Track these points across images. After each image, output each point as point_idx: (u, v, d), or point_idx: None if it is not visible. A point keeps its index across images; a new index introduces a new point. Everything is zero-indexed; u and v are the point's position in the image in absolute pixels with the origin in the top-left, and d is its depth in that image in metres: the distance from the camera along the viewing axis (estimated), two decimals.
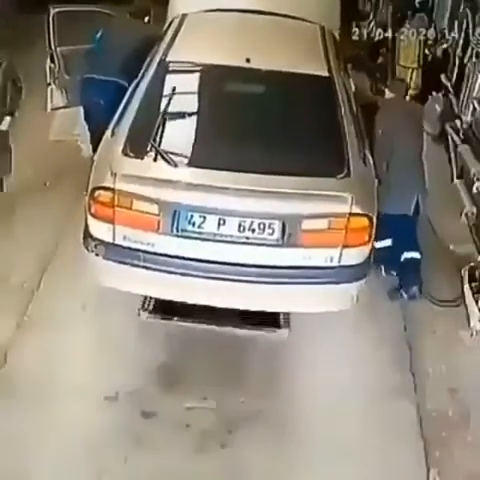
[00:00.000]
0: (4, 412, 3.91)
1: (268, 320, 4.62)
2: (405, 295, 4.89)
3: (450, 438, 3.98)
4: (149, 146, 4.00)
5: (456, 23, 6.94)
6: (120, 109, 4.40)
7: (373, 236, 4.01)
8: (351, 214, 3.82)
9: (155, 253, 3.90)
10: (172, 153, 4.00)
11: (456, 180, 6.13)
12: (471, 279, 4.86)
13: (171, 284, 4.02)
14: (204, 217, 3.84)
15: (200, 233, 3.87)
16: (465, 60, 6.56)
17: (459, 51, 6.80)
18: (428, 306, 4.88)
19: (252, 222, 3.84)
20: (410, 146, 4.86)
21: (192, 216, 3.84)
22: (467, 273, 4.92)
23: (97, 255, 4.01)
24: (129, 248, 3.91)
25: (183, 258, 3.88)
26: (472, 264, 5.01)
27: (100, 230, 3.97)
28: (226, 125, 4.25)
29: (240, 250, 3.91)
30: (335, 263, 3.93)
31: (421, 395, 4.23)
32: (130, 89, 4.59)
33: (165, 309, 4.63)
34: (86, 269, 4.30)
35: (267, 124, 4.22)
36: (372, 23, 8.36)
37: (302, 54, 4.78)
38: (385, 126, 4.76)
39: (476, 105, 6.22)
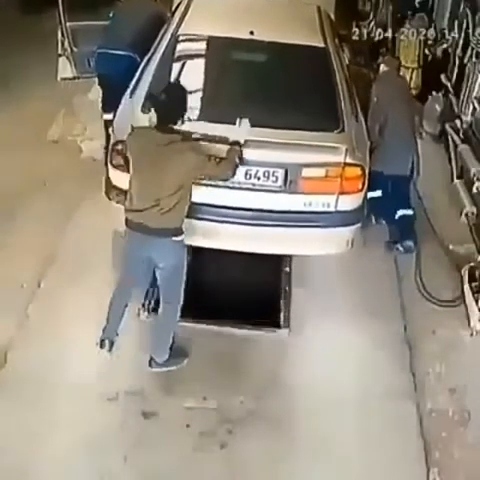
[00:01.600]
0: (4, 412, 3.91)
1: (268, 320, 4.65)
2: (401, 248, 5.30)
3: (450, 438, 3.98)
4: None
5: (456, 23, 6.93)
6: (137, 75, 4.79)
7: (366, 185, 4.42)
8: (346, 164, 4.23)
9: None
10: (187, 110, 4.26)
11: (456, 180, 6.13)
12: (471, 279, 4.86)
13: (185, 229, 4.24)
14: None
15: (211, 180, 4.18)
16: (465, 60, 6.56)
17: (459, 51, 6.80)
18: (428, 306, 4.88)
19: (258, 170, 4.22)
20: (403, 112, 5.33)
21: None
22: (467, 273, 4.92)
23: (118, 203, 4.30)
24: None
25: (194, 203, 4.09)
26: (472, 264, 5.02)
27: (122, 180, 4.23)
28: (233, 86, 4.64)
29: (247, 196, 4.29)
30: (332, 209, 4.34)
31: (421, 395, 4.23)
32: (146, 58, 4.97)
33: None
34: (109, 219, 4.58)
35: (270, 86, 4.63)
36: (372, 23, 8.37)
37: (300, 28, 5.19)
38: (380, 94, 5.30)
39: (476, 105, 6.22)
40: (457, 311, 4.81)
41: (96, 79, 6.04)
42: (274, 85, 4.64)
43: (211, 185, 4.17)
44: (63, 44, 6.87)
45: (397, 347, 4.54)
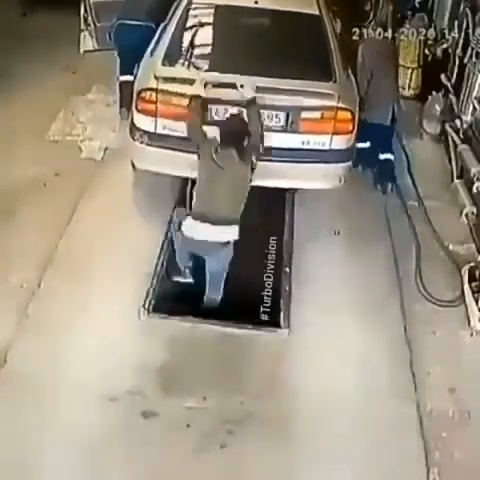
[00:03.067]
0: (4, 412, 3.91)
1: (268, 320, 4.65)
2: (379, 187, 6.03)
3: (450, 438, 3.98)
4: (182, 58, 5.17)
5: (456, 23, 6.93)
6: (155, 38, 5.50)
7: (355, 128, 5.11)
8: (338, 108, 4.95)
9: (189, 139, 4.75)
10: (199, 63, 5.23)
11: (456, 180, 6.13)
12: (471, 279, 4.87)
13: None
14: (226, 109, 4.86)
15: None
16: (465, 60, 6.56)
17: (459, 51, 6.80)
18: (428, 306, 4.88)
19: (263, 113, 4.81)
20: (385, 68, 6.02)
21: (217, 108, 4.88)
22: (467, 273, 4.93)
23: (142, 143, 5.06)
24: (168, 136, 4.88)
25: None
26: (472, 264, 5.02)
27: (145, 123, 5.01)
28: (242, 45, 5.27)
29: None
30: (326, 147, 5.05)
31: (421, 395, 4.23)
32: (163, 24, 5.65)
33: (165, 309, 4.65)
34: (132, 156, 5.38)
35: (273, 45, 5.34)
36: (372, 23, 8.35)
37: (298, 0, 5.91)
38: (365, 53, 5.96)
39: (476, 105, 6.22)
40: (457, 311, 4.81)
41: (116, 49, 6.65)
42: (277, 44, 5.32)
43: None
44: (86, 19, 7.50)
45: (397, 347, 4.54)
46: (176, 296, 4.80)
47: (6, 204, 5.43)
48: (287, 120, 4.95)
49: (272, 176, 5.01)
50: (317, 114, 4.97)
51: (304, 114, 4.95)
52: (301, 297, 4.83)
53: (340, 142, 5.07)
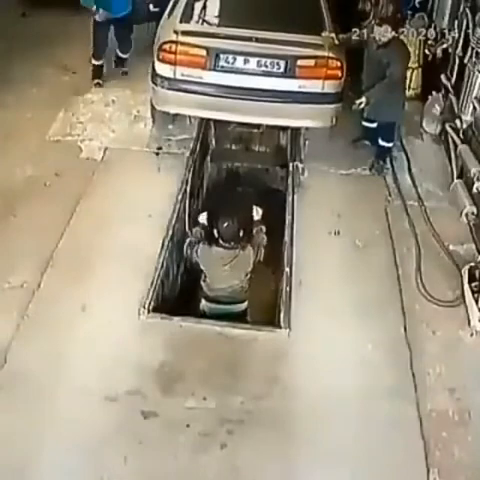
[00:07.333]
0: (4, 412, 3.91)
1: (268, 320, 4.65)
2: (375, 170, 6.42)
3: (450, 438, 3.98)
4: (196, 17, 6.10)
5: (456, 23, 6.92)
6: (171, 4, 6.38)
7: (344, 74, 5.92)
8: (329, 57, 5.84)
9: (203, 83, 5.85)
10: (211, 20, 6.17)
11: (456, 180, 6.12)
12: (471, 279, 4.86)
13: (213, 105, 5.91)
14: (235, 58, 5.78)
15: (232, 68, 5.81)
16: (465, 60, 6.55)
17: (459, 51, 6.79)
18: (428, 306, 4.88)
19: (266, 61, 5.81)
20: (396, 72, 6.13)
21: (227, 57, 5.79)
22: (467, 273, 4.92)
23: (162, 87, 5.93)
24: (185, 81, 5.81)
25: (221, 86, 5.82)
26: (472, 264, 5.02)
27: (165, 70, 5.88)
28: (248, 5, 6.16)
29: (258, 79, 5.85)
30: (319, 90, 5.90)
31: (421, 395, 4.23)
32: None
33: (165, 309, 4.65)
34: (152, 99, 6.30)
35: (276, 6, 6.15)
36: (372, 23, 8.33)
37: None
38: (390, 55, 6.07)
39: (476, 105, 6.21)
40: (457, 311, 4.81)
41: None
42: (278, 5, 6.15)
43: (234, 72, 5.79)
44: None
45: (397, 347, 4.54)
46: (176, 296, 4.81)
47: (6, 204, 5.44)
48: (286, 67, 5.81)
49: (274, 115, 5.98)
50: (311, 62, 5.84)
51: (300, 62, 5.80)
52: (301, 297, 4.83)
53: (331, 86, 5.92)
